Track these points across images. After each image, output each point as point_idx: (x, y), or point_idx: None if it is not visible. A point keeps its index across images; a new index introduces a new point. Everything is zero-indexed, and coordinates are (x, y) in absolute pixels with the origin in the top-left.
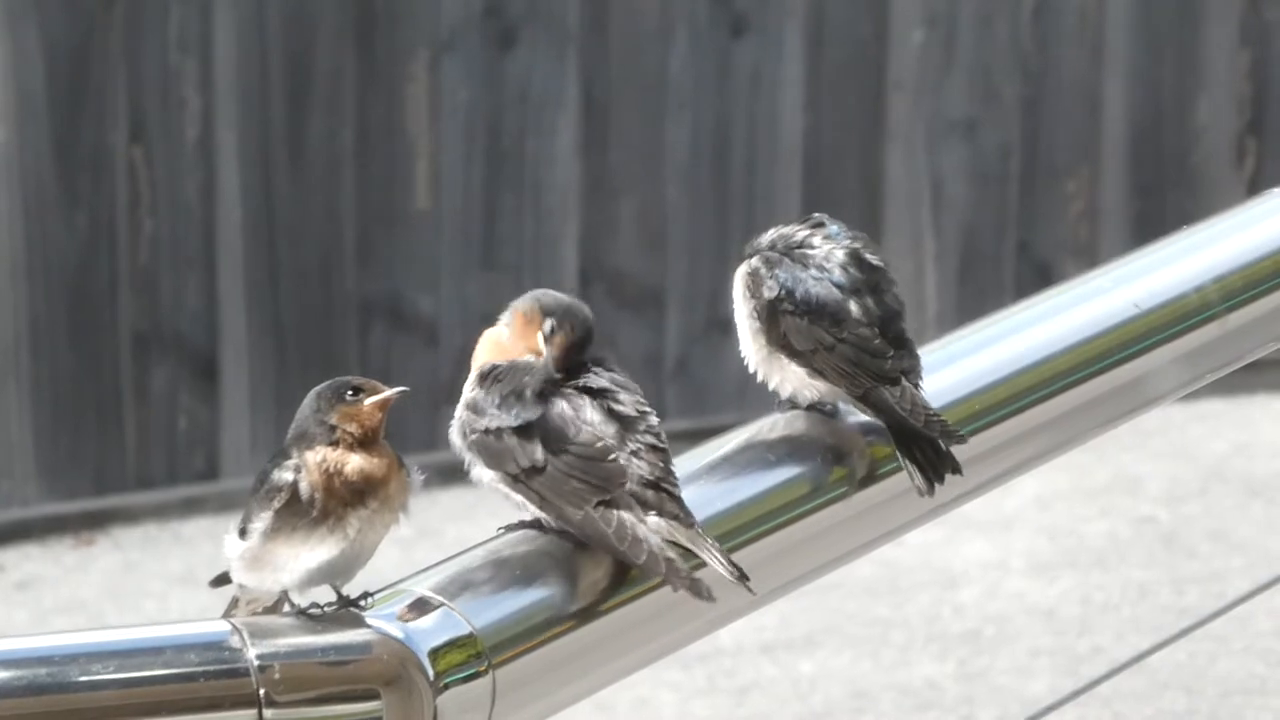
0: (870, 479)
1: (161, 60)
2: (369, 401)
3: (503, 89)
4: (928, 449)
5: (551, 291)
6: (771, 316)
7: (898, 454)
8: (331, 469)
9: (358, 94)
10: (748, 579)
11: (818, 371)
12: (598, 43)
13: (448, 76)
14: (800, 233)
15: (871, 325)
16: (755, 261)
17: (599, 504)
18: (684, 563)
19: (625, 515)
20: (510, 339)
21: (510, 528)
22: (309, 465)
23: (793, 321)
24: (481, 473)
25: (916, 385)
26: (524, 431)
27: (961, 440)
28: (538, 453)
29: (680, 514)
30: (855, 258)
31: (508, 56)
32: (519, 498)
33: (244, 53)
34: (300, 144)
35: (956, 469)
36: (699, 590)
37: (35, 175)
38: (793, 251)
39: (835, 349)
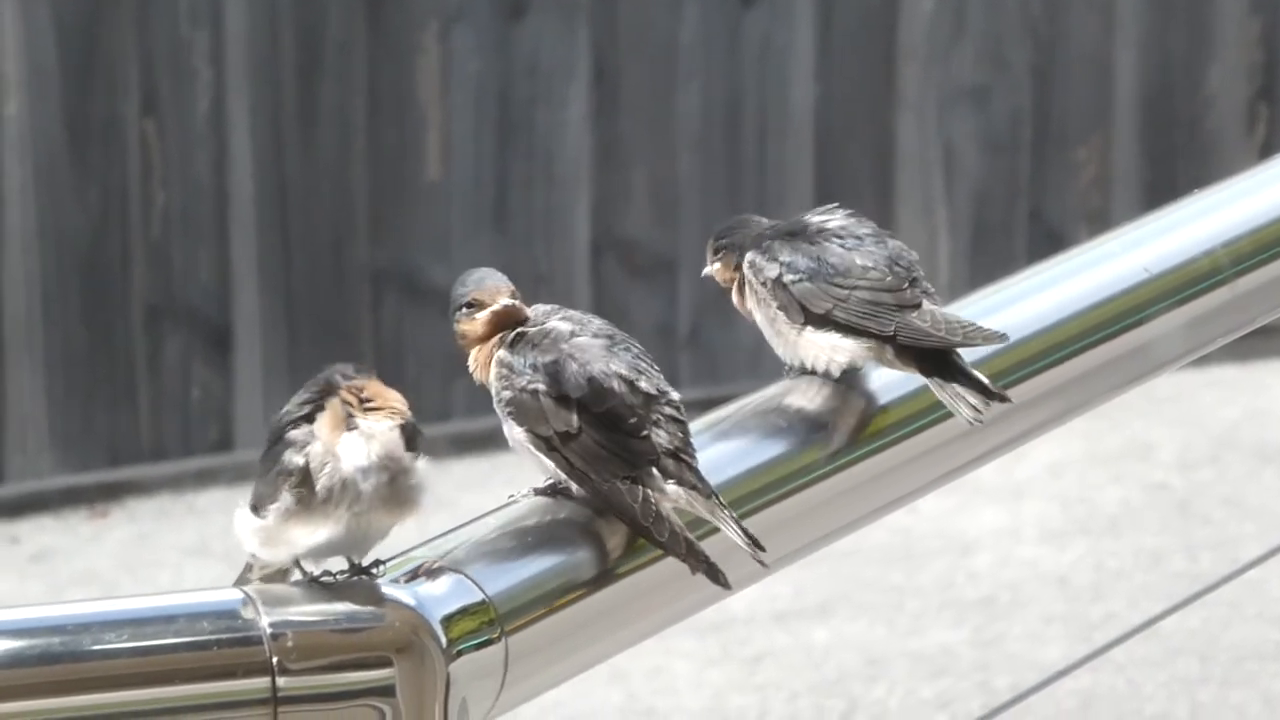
0: (882, 443)
1: (173, 32)
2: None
3: (513, 59)
4: (965, 380)
5: (458, 285)
6: (783, 292)
7: (935, 389)
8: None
9: (368, 65)
10: (762, 549)
11: (842, 328)
12: (607, 12)
13: (458, 47)
14: (797, 215)
15: (878, 266)
16: (750, 255)
17: (625, 477)
18: (701, 546)
19: (650, 491)
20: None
21: (524, 495)
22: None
23: (802, 288)
24: (513, 431)
25: (939, 304)
26: (561, 397)
27: (1003, 339)
28: (573, 419)
29: (699, 484)
30: (854, 218)
31: (518, 26)
32: (548, 462)
33: (255, 24)
34: (311, 115)
35: (1003, 396)
36: (716, 576)
37: (47, 148)
38: (791, 229)
39: (850, 297)
